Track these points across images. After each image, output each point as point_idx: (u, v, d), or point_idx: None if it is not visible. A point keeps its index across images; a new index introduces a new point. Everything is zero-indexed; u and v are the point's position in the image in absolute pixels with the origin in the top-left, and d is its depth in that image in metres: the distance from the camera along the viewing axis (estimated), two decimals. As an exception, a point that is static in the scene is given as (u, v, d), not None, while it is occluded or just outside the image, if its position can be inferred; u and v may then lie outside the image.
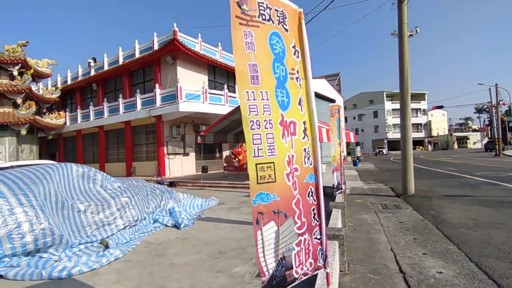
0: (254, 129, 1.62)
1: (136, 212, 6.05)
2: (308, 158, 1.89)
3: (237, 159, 18.92)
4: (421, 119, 67.35)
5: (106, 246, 4.71)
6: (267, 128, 1.65)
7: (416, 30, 9.08)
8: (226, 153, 22.39)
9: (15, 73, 18.12)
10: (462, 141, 68.87)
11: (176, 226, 6.08)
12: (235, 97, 19.90)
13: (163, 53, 17.64)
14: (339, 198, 6.58)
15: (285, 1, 1.84)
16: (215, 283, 3.31)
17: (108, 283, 3.48)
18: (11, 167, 7.74)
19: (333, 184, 6.98)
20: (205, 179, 14.68)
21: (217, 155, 22.34)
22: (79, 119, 22.84)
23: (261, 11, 1.70)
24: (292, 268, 1.70)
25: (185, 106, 16.43)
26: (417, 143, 65.24)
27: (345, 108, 50.54)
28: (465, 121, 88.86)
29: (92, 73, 22.54)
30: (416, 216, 6.23)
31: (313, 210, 1.90)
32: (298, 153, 1.82)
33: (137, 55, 19.51)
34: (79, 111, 23.01)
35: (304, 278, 1.80)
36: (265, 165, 1.63)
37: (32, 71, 18.67)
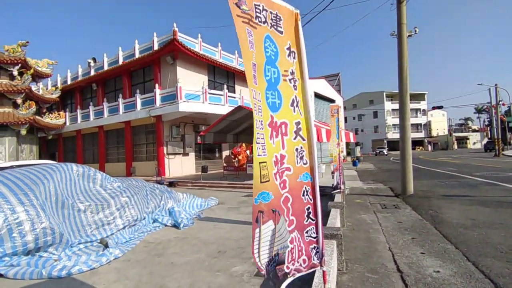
0: (258, 127, 1.66)
1: (136, 212, 6.07)
2: (302, 158, 1.91)
3: (236, 159, 18.93)
4: (421, 120, 67.40)
5: (106, 246, 4.73)
6: (261, 129, 1.68)
7: (415, 31, 9.10)
8: (225, 153, 22.41)
9: (15, 73, 18.15)
10: (462, 141, 68.89)
11: (176, 225, 6.10)
12: (234, 97, 19.93)
13: (163, 53, 17.66)
14: (338, 198, 6.61)
15: (281, 3, 1.86)
16: (214, 282, 3.34)
17: (107, 282, 3.50)
18: (11, 167, 7.76)
19: (333, 184, 7.01)
20: (204, 179, 14.71)
21: (217, 155, 22.36)
22: (79, 119, 22.86)
23: (257, 13, 1.73)
24: (283, 263, 1.74)
25: (185, 106, 16.45)
26: (417, 143, 65.27)
27: (345, 108, 50.57)
28: (465, 122, 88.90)
29: (92, 73, 22.56)
30: (415, 216, 6.25)
31: (308, 209, 1.92)
32: (290, 153, 1.85)
33: (137, 55, 19.53)
34: (79, 111, 23.03)
35: (297, 274, 1.83)
36: (263, 164, 1.66)
37: (32, 71, 18.69)
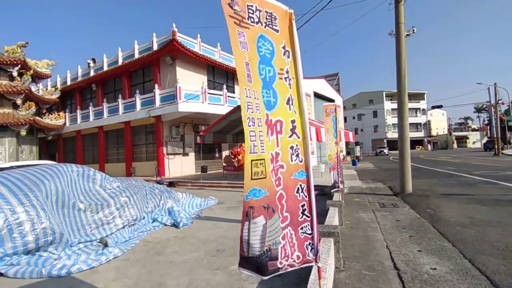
0: (250, 126, 1.69)
1: (135, 212, 6.10)
2: (297, 156, 1.94)
3: (236, 159, 18.97)
4: (421, 119, 67.42)
5: (105, 245, 4.76)
6: (259, 126, 1.71)
7: (413, 30, 9.13)
8: (225, 153, 22.44)
9: (15, 74, 18.18)
10: (462, 140, 68.92)
11: (175, 225, 6.13)
12: (234, 97, 19.95)
13: (162, 53, 17.70)
14: (336, 196, 6.64)
15: (276, 3, 1.89)
16: (212, 280, 3.36)
17: (107, 281, 3.53)
18: (11, 167, 7.79)
19: (331, 183, 7.04)
20: (204, 179, 14.73)
21: (217, 155, 22.39)
22: (79, 120, 22.90)
23: (250, 14, 1.76)
24: (276, 259, 1.77)
25: (185, 106, 16.48)
26: (417, 142, 65.30)
27: (344, 108, 50.53)
28: (464, 121, 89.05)
29: (92, 73, 22.61)
30: (413, 215, 6.28)
31: (303, 206, 1.94)
32: (284, 151, 1.88)
33: (137, 56, 19.57)
34: (78, 111, 23.07)
35: (290, 269, 1.86)
36: (258, 162, 1.69)
37: (31, 72, 18.73)
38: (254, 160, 1.69)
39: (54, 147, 26.79)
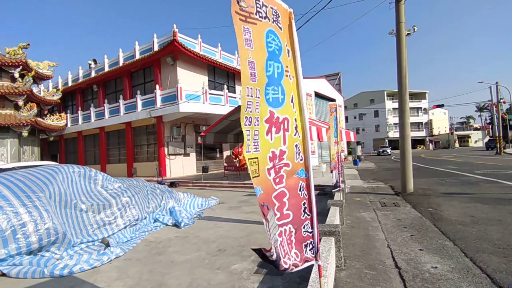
0: (246, 125, 1.69)
1: (137, 212, 6.12)
2: (299, 154, 1.95)
3: (237, 159, 18.96)
4: (422, 118, 67.27)
5: (107, 245, 4.78)
6: (256, 125, 1.71)
7: (414, 29, 9.11)
8: (226, 153, 22.46)
9: (16, 75, 18.24)
10: (464, 139, 68.76)
11: (176, 225, 6.14)
12: (235, 97, 19.97)
13: (163, 54, 17.73)
14: (337, 196, 6.63)
15: (278, 0, 1.90)
16: (214, 280, 3.38)
17: (109, 280, 3.54)
18: (13, 168, 7.83)
19: (333, 183, 7.04)
20: (205, 179, 14.75)
21: (218, 155, 22.41)
22: (80, 121, 22.97)
23: (258, 9, 1.74)
24: (280, 259, 1.78)
25: (185, 107, 16.51)
26: (419, 142, 65.16)
27: (345, 107, 50.38)
28: (466, 120, 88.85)
29: (93, 74, 22.68)
30: (414, 214, 6.27)
31: (304, 204, 1.95)
32: (290, 149, 1.88)
33: (137, 56, 19.62)
34: (80, 112, 23.14)
35: (295, 269, 1.85)
36: (252, 160, 1.70)
37: (33, 73, 18.78)
38: (249, 158, 1.71)
39: (56, 148, 26.88)
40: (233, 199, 9.34)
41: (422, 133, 66.66)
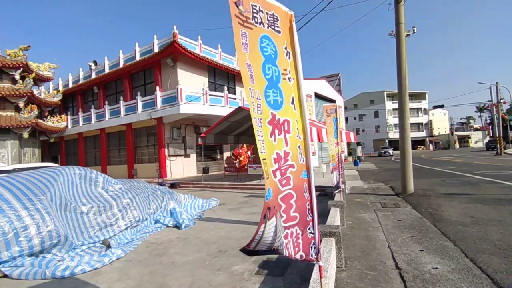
0: (257, 125, 1.72)
1: (138, 213, 6.13)
2: (302, 155, 1.96)
3: (237, 160, 18.97)
4: (422, 119, 67.28)
5: (108, 246, 4.79)
6: (259, 126, 1.73)
7: (413, 30, 9.13)
8: (227, 154, 22.47)
9: (17, 77, 18.27)
10: (464, 140, 68.77)
11: (177, 226, 6.15)
12: (235, 99, 20.00)
13: (163, 55, 17.76)
14: (338, 197, 6.64)
15: (277, 4, 1.92)
16: (214, 281, 3.38)
17: (110, 281, 3.55)
18: (14, 170, 7.85)
19: (333, 184, 7.05)
20: (206, 180, 14.76)
21: (218, 156, 22.42)
22: (81, 122, 23.00)
23: (254, 14, 1.77)
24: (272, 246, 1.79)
25: (186, 108, 16.53)
26: (419, 142, 65.15)
27: (345, 108, 50.36)
28: (466, 120, 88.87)
29: (93, 76, 22.71)
30: (415, 214, 6.28)
31: (308, 205, 1.97)
32: (294, 150, 1.90)
33: (138, 58, 19.65)
34: (80, 114, 23.17)
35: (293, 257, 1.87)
36: (264, 161, 1.73)
37: (33, 74, 18.81)
38: (263, 159, 1.75)
39: (56, 149, 26.91)
40: (233, 200, 9.34)
41: (422, 134, 66.66)
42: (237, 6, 1.66)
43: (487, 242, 4.24)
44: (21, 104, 18.11)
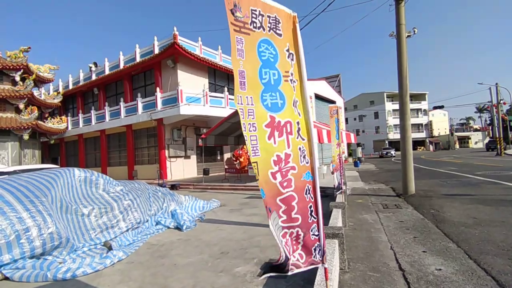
0: (244, 131, 1.78)
1: (139, 215, 6.11)
2: (304, 157, 1.95)
3: (238, 161, 18.98)
4: (422, 120, 67.32)
5: (110, 248, 4.78)
6: (251, 131, 1.75)
7: (414, 31, 9.13)
8: (227, 155, 22.47)
9: (17, 78, 18.26)
10: (464, 140, 68.76)
11: (178, 228, 6.14)
12: (235, 100, 19.98)
13: (163, 56, 17.77)
14: (339, 198, 6.63)
15: (279, 6, 1.91)
16: (217, 283, 3.37)
17: (112, 283, 3.54)
18: (14, 171, 7.84)
19: (334, 185, 7.03)
20: (206, 181, 14.74)
21: (218, 157, 22.41)
22: (81, 124, 22.99)
23: (253, 19, 1.79)
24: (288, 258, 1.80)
25: (186, 109, 16.53)
26: (419, 143, 65.15)
27: (345, 109, 50.30)
28: (466, 121, 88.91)
29: (93, 77, 22.72)
30: (416, 215, 6.26)
31: (310, 207, 1.95)
32: (295, 152, 1.89)
33: (138, 59, 19.65)
34: (80, 115, 23.16)
35: (296, 270, 1.86)
36: (253, 164, 1.75)
37: (34, 76, 18.81)
38: (252, 162, 1.79)
39: (57, 151, 26.89)
40: (234, 202, 9.33)
41: (422, 135, 66.67)
42: (233, 14, 1.69)
43: (490, 243, 4.22)
44: (22, 106, 18.10)
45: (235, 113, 13.40)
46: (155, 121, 17.92)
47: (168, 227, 6.25)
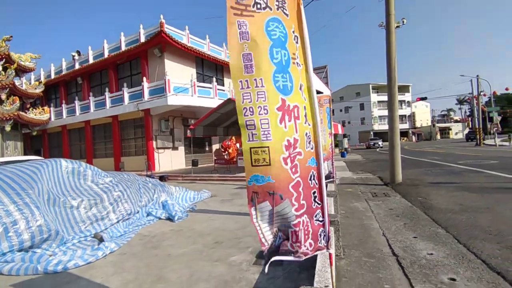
0: (247, 115, 1.69)
1: (129, 206, 6.02)
2: (309, 143, 1.94)
3: (226, 152, 18.90)
4: (406, 111, 68.55)
5: (101, 240, 4.68)
6: (261, 114, 1.70)
7: (403, 22, 9.20)
8: (215, 146, 22.34)
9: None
10: (445, 131, 70.65)
11: (170, 218, 6.07)
12: (224, 90, 19.81)
13: (150, 45, 17.34)
14: (330, 187, 6.70)
15: (283, -14, 1.86)
16: (214, 272, 3.35)
17: (105, 275, 3.47)
18: (-3, 163, 7.55)
19: (325, 174, 7.11)
20: (195, 172, 14.64)
21: (207, 148, 22.27)
22: (64, 114, 22.33)
23: (257, 0, 1.72)
24: (287, 240, 1.79)
25: (174, 100, 16.27)
26: (402, 134, 66.01)
27: (332, 100, 50.64)
28: (447, 112, 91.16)
29: (77, 66, 21.99)
30: (405, 203, 6.41)
31: (314, 193, 1.95)
32: (302, 137, 1.87)
33: (123, 48, 19.11)
34: (64, 106, 22.48)
35: (304, 257, 1.85)
36: (259, 149, 1.70)
37: (15, 65, 18.07)
38: (253, 147, 1.71)
39: (39, 142, 26.09)
40: (224, 192, 9.31)
41: (405, 126, 67.99)
42: None
43: (478, 228, 4.36)
44: (3, 96, 17.41)
45: (225, 104, 13.26)
46: (142, 112, 17.57)
47: (160, 218, 6.17)
